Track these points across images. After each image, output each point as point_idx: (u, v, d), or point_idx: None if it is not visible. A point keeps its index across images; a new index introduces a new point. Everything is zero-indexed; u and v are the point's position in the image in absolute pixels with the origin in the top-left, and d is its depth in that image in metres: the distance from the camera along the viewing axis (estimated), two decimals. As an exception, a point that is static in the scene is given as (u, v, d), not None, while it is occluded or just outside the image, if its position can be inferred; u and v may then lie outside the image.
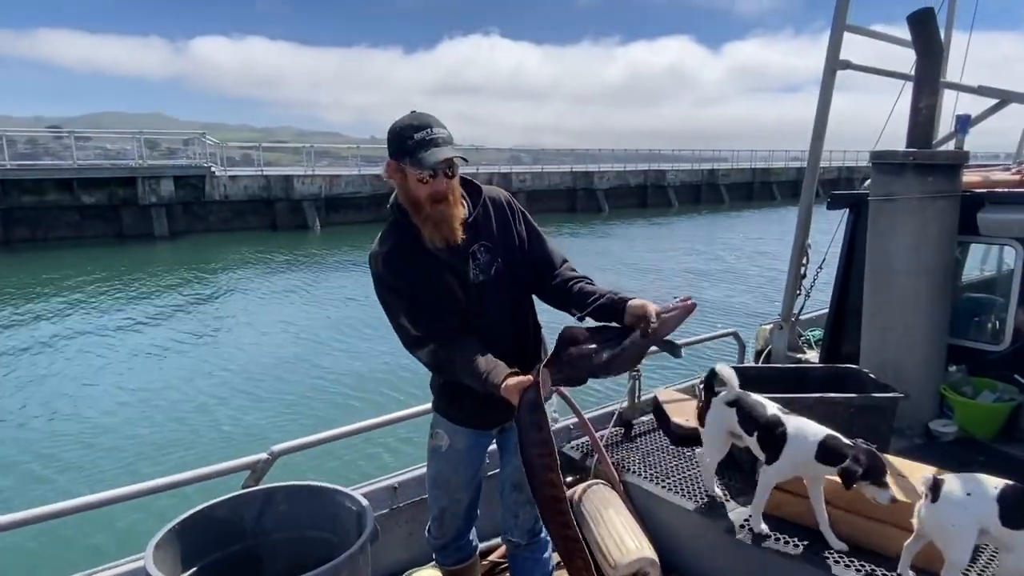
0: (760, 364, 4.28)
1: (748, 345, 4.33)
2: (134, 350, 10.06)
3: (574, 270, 2.04)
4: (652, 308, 1.78)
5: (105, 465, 6.10)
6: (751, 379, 3.00)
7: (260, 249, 19.66)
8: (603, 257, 18.66)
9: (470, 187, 1.94)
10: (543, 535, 2.19)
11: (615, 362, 1.82)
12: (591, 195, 32.46)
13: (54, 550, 4.45)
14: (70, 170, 20.03)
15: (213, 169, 22.36)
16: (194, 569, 1.79)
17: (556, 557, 2.20)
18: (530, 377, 1.76)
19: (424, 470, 2.78)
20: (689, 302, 1.79)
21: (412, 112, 1.83)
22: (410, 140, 1.74)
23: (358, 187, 25.22)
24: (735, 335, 4.08)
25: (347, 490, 1.96)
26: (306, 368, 8.91)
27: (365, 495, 2.00)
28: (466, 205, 1.90)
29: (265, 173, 24.04)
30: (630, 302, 1.83)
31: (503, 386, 1.75)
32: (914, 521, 2.01)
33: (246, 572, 1.92)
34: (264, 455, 2.18)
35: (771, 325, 4.40)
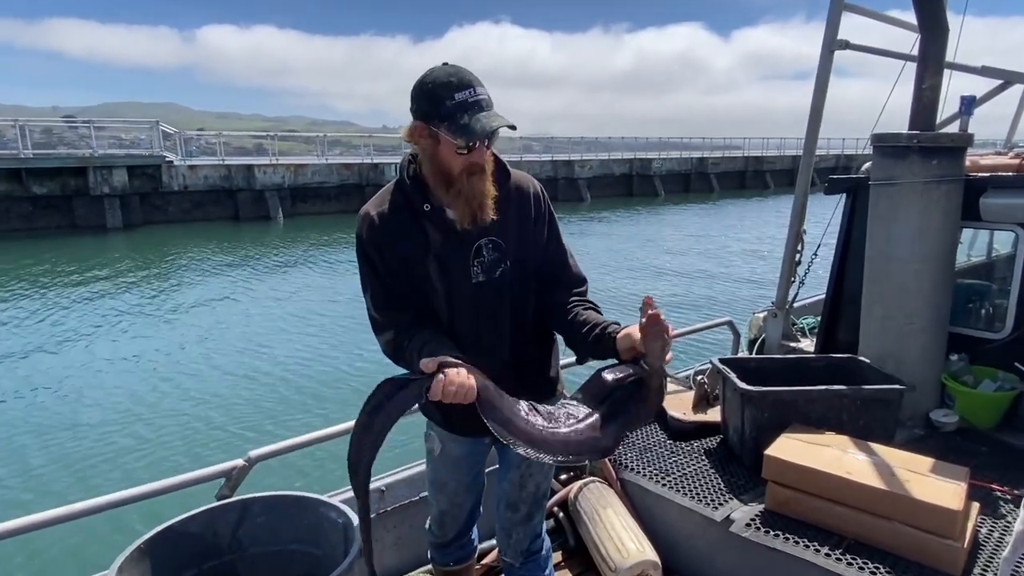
0: (757, 355, 4.19)
1: (742, 333, 4.23)
2: (86, 346, 9.65)
3: (584, 296, 1.73)
4: (636, 333, 1.47)
5: (58, 476, 5.73)
6: (751, 371, 2.91)
7: (220, 241, 19.18)
8: (584, 249, 18.56)
9: (497, 165, 1.64)
10: (541, 553, 2.03)
11: (628, 428, 1.55)
12: (572, 184, 32.16)
13: (6, 570, 4.20)
14: (19, 160, 19.37)
15: (170, 158, 21.71)
16: (165, 590, 1.62)
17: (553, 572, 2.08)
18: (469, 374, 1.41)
19: (411, 471, 2.64)
20: (651, 312, 1.43)
21: (445, 64, 1.51)
22: (449, 101, 1.45)
23: (324, 177, 24.74)
24: (729, 324, 3.97)
25: (331, 500, 1.81)
26: (277, 367, 8.57)
27: (348, 501, 1.84)
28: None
29: (226, 162, 23.44)
30: (619, 335, 1.53)
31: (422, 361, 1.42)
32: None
33: (222, 591, 1.76)
34: (240, 461, 2.02)
35: (764, 313, 4.31)
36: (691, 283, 14.09)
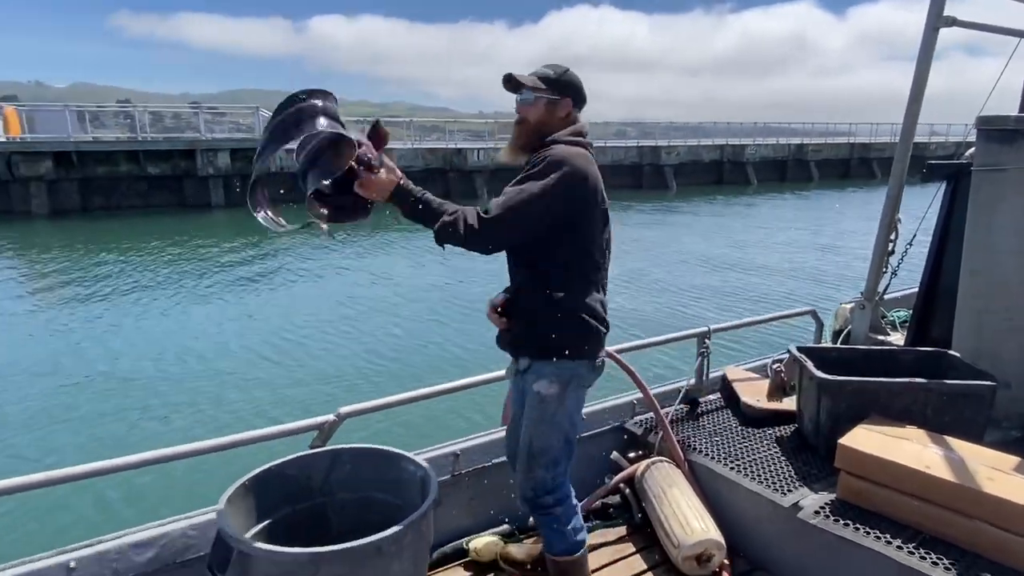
0: (840, 345, 4.05)
1: (826, 325, 4.10)
2: (199, 311, 10.53)
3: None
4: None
5: (174, 421, 6.39)
6: (831, 361, 2.85)
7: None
8: (668, 238, 18.18)
9: (557, 141, 2.00)
10: (554, 509, 2.08)
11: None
12: (658, 171, 31.13)
13: (130, 499, 4.71)
14: (137, 143, 21.08)
15: (266, 142, 22.93)
16: (265, 523, 1.83)
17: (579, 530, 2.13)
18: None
19: (485, 438, 2.76)
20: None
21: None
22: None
23: (410, 161, 25.36)
24: (812, 313, 3.86)
25: (412, 455, 1.95)
26: (365, 334, 9.11)
27: (427, 460, 1.99)
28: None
29: (318, 146, 24.47)
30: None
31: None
32: None
33: (313, 529, 1.95)
34: (331, 416, 2.20)
35: (852, 304, 4.15)
36: (775, 271, 13.63)
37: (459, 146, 26.70)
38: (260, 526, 1.82)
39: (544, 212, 1.86)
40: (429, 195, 1.88)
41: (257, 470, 1.85)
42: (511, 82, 2.03)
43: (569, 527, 2.10)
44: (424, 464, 1.90)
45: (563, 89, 2.03)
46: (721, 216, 23.29)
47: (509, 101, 2.10)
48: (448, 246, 1.86)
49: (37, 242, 16.60)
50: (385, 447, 2.00)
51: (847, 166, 37.85)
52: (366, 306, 10.69)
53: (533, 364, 1.99)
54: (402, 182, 1.85)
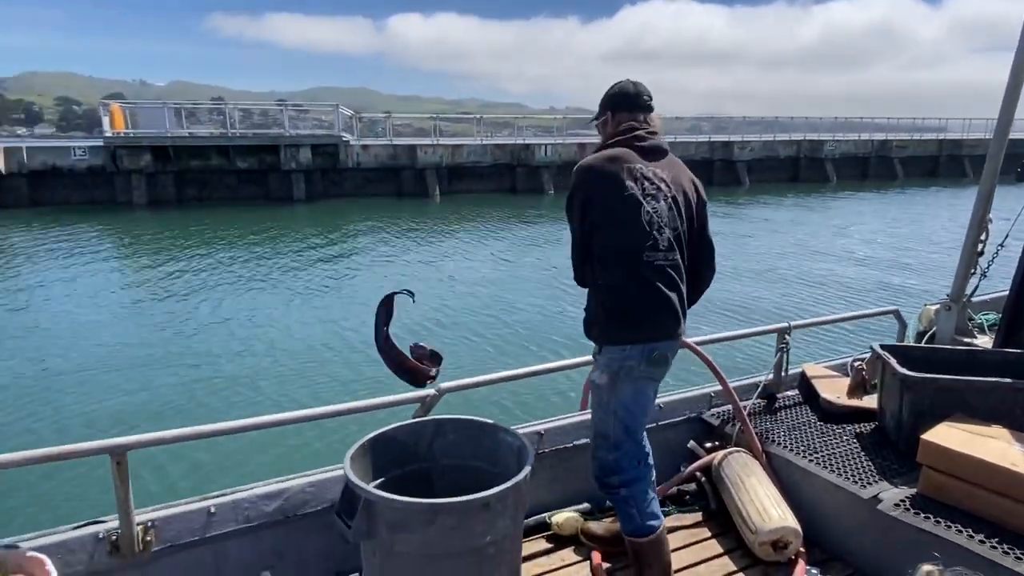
0: (924, 345, 3.99)
1: (910, 326, 4.04)
2: (294, 296, 11.21)
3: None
4: None
5: (287, 389, 7.00)
6: (915, 360, 2.85)
7: (384, 213, 20.87)
8: (739, 233, 17.80)
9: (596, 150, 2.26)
10: (619, 491, 2.21)
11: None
12: (729, 167, 30.40)
13: (262, 454, 5.23)
14: (227, 138, 22.39)
15: (347, 138, 23.83)
16: (379, 480, 2.05)
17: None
18: None
19: (565, 421, 2.92)
20: None
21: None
22: None
23: (479, 156, 25.76)
24: (896, 313, 3.82)
25: (510, 427, 2.14)
26: (461, 317, 9.64)
27: (527, 434, 2.17)
28: None
29: (394, 143, 25.21)
30: None
31: None
32: None
33: (418, 490, 2.16)
34: (432, 391, 2.41)
35: (938, 305, 4.07)
36: (855, 270, 13.21)
37: (527, 141, 26.93)
38: (375, 483, 2.04)
39: (579, 232, 2.13)
40: None
41: (373, 433, 2.08)
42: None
43: (635, 510, 2.19)
44: (521, 436, 2.08)
45: (602, 108, 2.28)
46: (797, 213, 22.56)
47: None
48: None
49: (137, 229, 17.93)
50: (485, 419, 2.19)
51: (935, 164, 35.82)
52: (455, 291, 11.23)
53: (596, 354, 2.23)
54: None
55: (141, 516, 2.01)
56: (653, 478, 2.33)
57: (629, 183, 2.05)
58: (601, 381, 2.14)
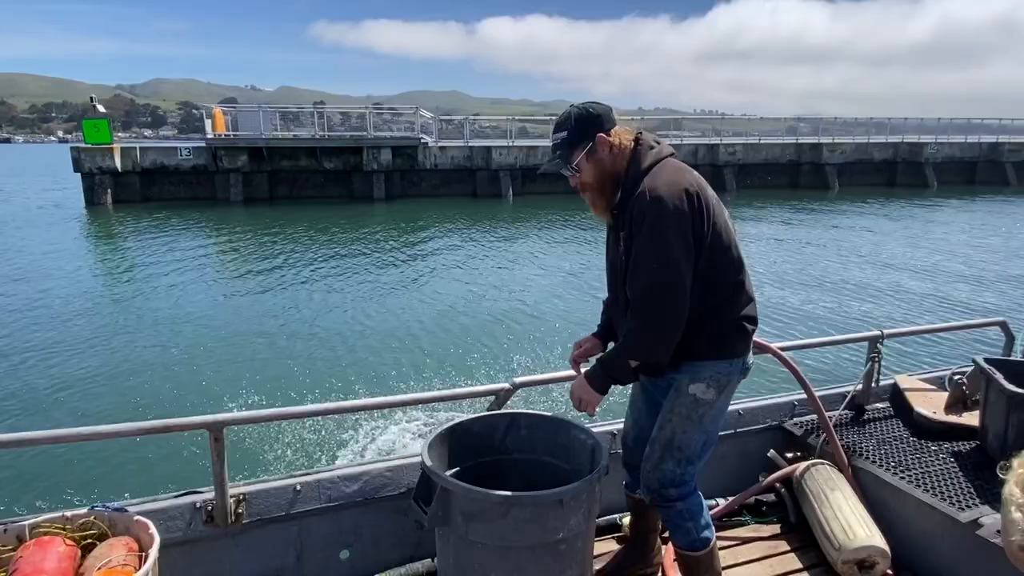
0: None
1: (1018, 338, 3.73)
2: (362, 286, 11.71)
3: (626, 313, 1.94)
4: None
5: (367, 376, 7.24)
6: (1018, 375, 2.64)
7: (461, 213, 21.31)
8: (831, 242, 16.97)
9: (640, 172, 1.91)
10: (676, 503, 2.09)
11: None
12: (818, 170, 28.83)
13: (343, 437, 5.38)
14: (315, 140, 23.57)
15: (425, 140, 24.45)
16: (454, 470, 2.10)
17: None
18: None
19: None
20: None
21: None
22: None
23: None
24: (1002, 325, 3.53)
25: (584, 424, 2.13)
26: (527, 314, 9.74)
27: (600, 434, 2.16)
28: (620, 191, 1.94)
29: (470, 144, 25.61)
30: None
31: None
32: None
33: (491, 482, 2.20)
34: (506, 385, 2.45)
35: (1053, 320, 3.75)
36: (956, 278, 12.37)
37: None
38: (450, 472, 2.10)
39: (688, 256, 1.82)
40: (605, 358, 2.02)
41: (451, 422, 2.13)
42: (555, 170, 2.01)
43: (691, 523, 2.10)
44: (595, 434, 2.08)
45: (585, 130, 1.93)
46: (890, 219, 21.24)
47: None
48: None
49: (234, 224, 19.09)
50: (558, 415, 2.20)
51: (1054, 170, 32.78)
52: (528, 289, 11.40)
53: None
54: (586, 376, 2.03)
55: (234, 489, 2.15)
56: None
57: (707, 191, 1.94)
58: (707, 396, 1.99)
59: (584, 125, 1.93)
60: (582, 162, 1.94)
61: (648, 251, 1.82)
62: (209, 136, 22.77)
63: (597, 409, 2.02)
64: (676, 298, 1.81)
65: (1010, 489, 1.48)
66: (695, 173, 1.96)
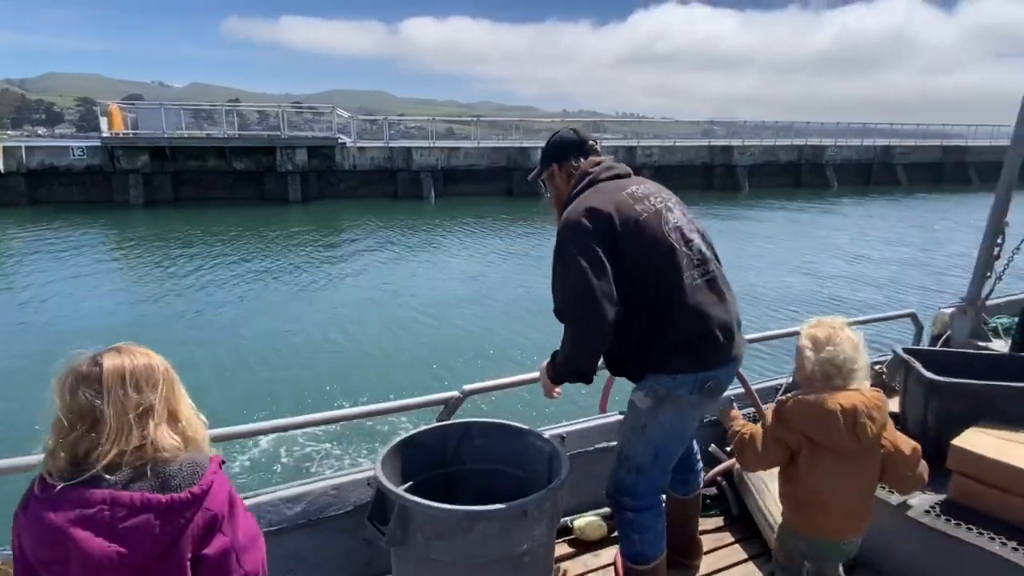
0: (941, 349, 3.97)
1: (925, 327, 4.02)
2: (284, 294, 11.25)
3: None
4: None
5: (298, 392, 6.91)
6: (936, 364, 2.82)
7: (380, 214, 20.89)
8: (746, 238, 17.80)
9: (571, 198, 2.05)
10: (619, 500, 2.16)
11: None
12: (730, 172, 30.16)
13: (278, 457, 5.10)
14: (224, 139, 22.36)
15: (343, 140, 23.79)
16: (407, 485, 2.01)
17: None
18: None
19: (584, 424, 2.88)
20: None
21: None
22: None
23: (475, 160, 25.77)
24: (912, 317, 3.79)
25: (539, 431, 2.09)
26: (474, 319, 9.59)
27: (554, 437, 2.12)
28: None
29: (390, 145, 25.18)
30: None
31: None
32: None
33: (444, 495, 2.12)
34: (456, 393, 2.38)
35: (952, 309, 4.05)
36: (863, 275, 13.30)
37: (523, 145, 26.93)
38: (403, 487, 2.00)
39: (597, 271, 1.85)
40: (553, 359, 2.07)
41: (404, 435, 2.04)
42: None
43: (638, 536, 2.09)
44: (553, 441, 2.04)
45: (549, 156, 2.14)
46: (798, 217, 22.58)
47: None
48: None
49: (134, 228, 17.85)
50: (514, 423, 2.15)
51: (940, 171, 35.48)
52: (442, 294, 11.15)
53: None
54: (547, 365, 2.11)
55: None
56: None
57: (638, 207, 1.93)
58: (642, 405, 2.01)
59: (550, 151, 2.14)
60: (548, 182, 2.17)
61: (556, 272, 1.95)
62: (105, 135, 21.17)
63: (556, 393, 2.15)
64: (587, 315, 1.85)
65: (803, 342, 2.03)
66: (628, 193, 1.95)
